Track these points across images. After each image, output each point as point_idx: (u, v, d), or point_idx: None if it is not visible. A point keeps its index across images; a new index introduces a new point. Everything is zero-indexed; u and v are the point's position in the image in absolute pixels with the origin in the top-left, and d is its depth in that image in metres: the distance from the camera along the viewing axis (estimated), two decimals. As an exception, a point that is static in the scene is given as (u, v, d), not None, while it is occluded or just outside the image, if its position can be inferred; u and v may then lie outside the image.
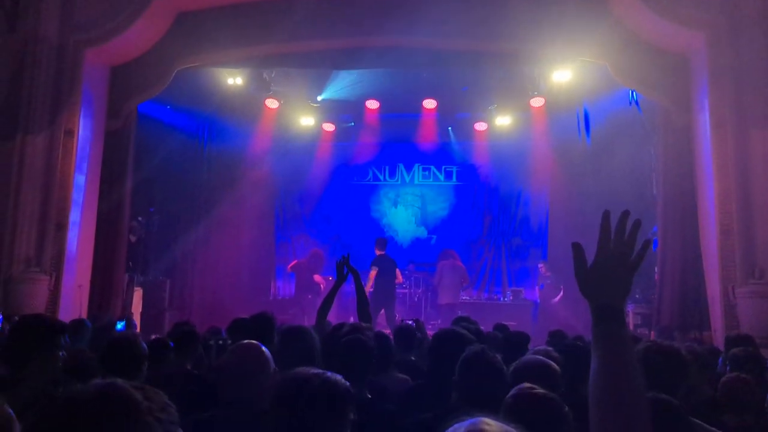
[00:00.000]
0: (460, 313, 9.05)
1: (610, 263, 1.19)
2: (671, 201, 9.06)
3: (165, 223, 11.39)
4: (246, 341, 2.43)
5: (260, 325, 3.77)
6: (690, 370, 2.83)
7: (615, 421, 1.10)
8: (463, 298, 11.47)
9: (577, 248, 1.22)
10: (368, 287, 9.82)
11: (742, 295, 7.46)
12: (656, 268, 9.39)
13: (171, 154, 11.55)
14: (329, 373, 1.66)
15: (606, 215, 1.21)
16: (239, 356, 2.31)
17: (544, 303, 11.14)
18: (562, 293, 11.10)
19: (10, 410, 1.52)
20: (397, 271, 10.38)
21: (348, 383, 1.64)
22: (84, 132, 8.60)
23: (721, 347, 4.96)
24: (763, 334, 7.00)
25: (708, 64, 7.95)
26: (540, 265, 11.74)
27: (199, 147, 11.99)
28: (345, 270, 4.30)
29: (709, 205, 7.99)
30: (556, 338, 4.57)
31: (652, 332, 8.78)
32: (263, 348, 2.37)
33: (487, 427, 0.99)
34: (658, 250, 9.35)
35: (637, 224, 1.21)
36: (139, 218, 10.63)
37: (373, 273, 10.13)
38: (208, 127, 12.09)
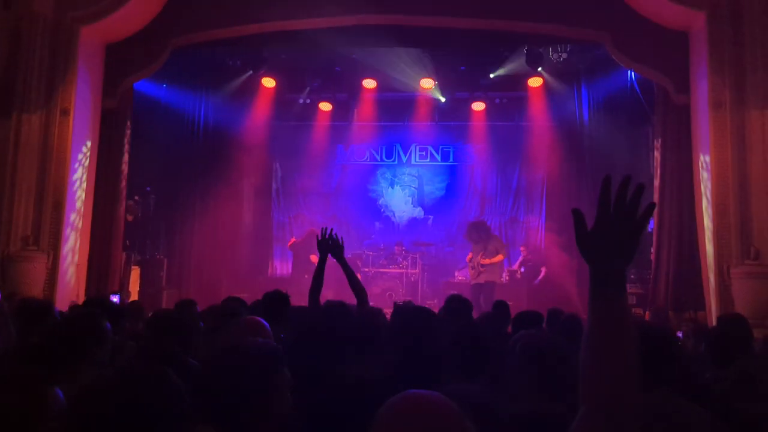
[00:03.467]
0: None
1: (610, 227, 1.17)
2: (668, 181, 9.09)
3: (162, 202, 11.38)
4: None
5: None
6: (680, 352, 2.87)
7: (602, 383, 1.10)
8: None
9: (578, 214, 1.20)
10: None
11: (737, 276, 7.52)
12: (652, 249, 9.45)
13: (167, 133, 11.51)
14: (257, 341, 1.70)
15: (606, 179, 1.19)
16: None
17: (527, 285, 11.17)
18: (543, 274, 11.17)
19: (59, 392, 1.56)
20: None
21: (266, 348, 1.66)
22: (80, 111, 8.54)
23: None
24: (757, 315, 7.08)
25: (707, 44, 7.92)
26: (522, 248, 11.83)
27: (196, 126, 11.94)
28: (329, 244, 4.21)
29: (707, 186, 8.02)
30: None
31: (647, 312, 8.85)
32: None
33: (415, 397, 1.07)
34: (654, 231, 9.41)
35: (640, 188, 1.18)
36: (136, 197, 10.62)
37: None
38: (205, 107, 12.03)
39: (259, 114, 12.31)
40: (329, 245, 4.18)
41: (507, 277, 11.25)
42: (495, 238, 10.07)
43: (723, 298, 7.55)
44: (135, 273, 9.99)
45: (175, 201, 11.49)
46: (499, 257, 9.76)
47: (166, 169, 11.47)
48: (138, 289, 9.95)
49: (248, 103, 12.18)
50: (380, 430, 1.09)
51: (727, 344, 3.40)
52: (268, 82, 12.06)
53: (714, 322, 6.65)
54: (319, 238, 4.20)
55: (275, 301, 3.98)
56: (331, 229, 4.24)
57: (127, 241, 10.02)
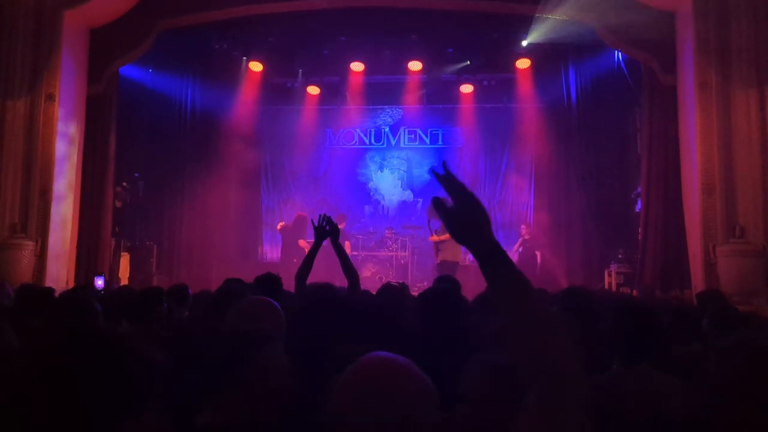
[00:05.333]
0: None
1: (456, 203, 1.24)
2: (655, 161, 9.16)
3: (150, 188, 11.33)
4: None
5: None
6: (664, 328, 2.91)
7: (527, 346, 1.15)
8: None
9: (437, 202, 1.27)
10: None
11: (722, 254, 7.62)
12: (639, 229, 9.54)
13: (154, 118, 11.43)
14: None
15: (432, 173, 1.29)
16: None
17: (521, 266, 11.14)
18: (539, 259, 11.18)
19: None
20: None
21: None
22: (65, 96, 8.47)
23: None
24: (743, 292, 7.19)
25: (694, 24, 7.95)
26: (523, 227, 11.67)
27: (183, 111, 11.85)
28: (326, 229, 4.23)
29: (693, 164, 8.08)
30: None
31: (634, 291, 8.96)
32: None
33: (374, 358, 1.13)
34: (641, 210, 9.49)
35: (444, 163, 1.28)
36: (124, 183, 10.57)
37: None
38: (192, 91, 11.94)
39: (247, 98, 12.23)
40: (326, 230, 4.20)
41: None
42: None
43: (708, 276, 7.65)
44: (124, 259, 9.97)
45: (164, 186, 11.44)
46: (441, 236, 9.53)
47: (154, 154, 11.40)
48: (128, 275, 9.93)
49: (236, 88, 12.10)
50: (341, 389, 1.14)
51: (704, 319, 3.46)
52: (256, 66, 11.97)
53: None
54: (315, 225, 4.21)
55: (268, 284, 3.98)
56: (325, 215, 4.27)
57: (116, 228, 9.99)
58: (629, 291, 9.12)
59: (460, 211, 1.23)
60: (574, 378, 1.14)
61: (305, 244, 11.02)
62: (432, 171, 1.29)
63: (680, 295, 8.15)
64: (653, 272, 8.89)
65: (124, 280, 9.59)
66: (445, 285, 4.37)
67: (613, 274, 9.87)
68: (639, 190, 9.90)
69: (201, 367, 1.64)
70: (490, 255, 1.20)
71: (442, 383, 1.81)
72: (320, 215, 4.26)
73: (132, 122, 10.82)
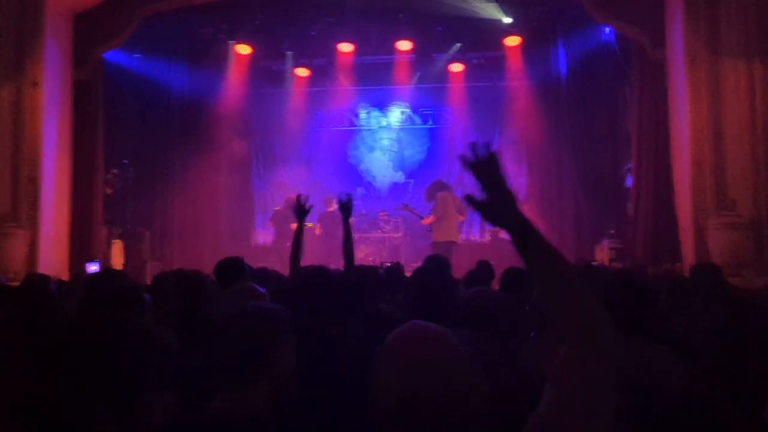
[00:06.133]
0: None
1: (488, 189, 1.30)
2: (645, 136, 9.19)
3: (141, 174, 11.26)
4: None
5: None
6: (655, 303, 2.94)
7: (562, 314, 1.21)
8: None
9: (470, 198, 1.32)
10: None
11: (713, 227, 7.67)
12: (630, 203, 9.59)
13: (143, 104, 11.34)
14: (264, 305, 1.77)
15: (461, 158, 1.35)
16: None
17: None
18: None
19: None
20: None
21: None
22: (50, 83, 8.37)
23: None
24: (733, 264, 7.26)
25: (682, -3, 7.93)
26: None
27: (171, 96, 11.75)
28: (305, 210, 4.31)
29: (683, 138, 8.11)
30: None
31: (626, 266, 9.02)
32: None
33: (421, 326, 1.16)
34: (632, 185, 9.54)
35: (487, 145, 1.34)
36: (114, 170, 10.51)
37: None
38: (180, 76, 11.82)
39: (235, 82, 12.13)
40: (348, 205, 4.39)
41: (461, 238, 10.99)
42: (435, 199, 9.83)
43: (699, 249, 7.71)
44: (117, 246, 9.94)
45: (154, 173, 11.38)
46: (427, 219, 9.68)
47: (143, 140, 11.32)
48: (121, 262, 9.91)
49: (223, 72, 12.00)
50: (388, 356, 1.17)
51: (698, 293, 3.49)
52: (243, 49, 11.86)
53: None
54: (296, 206, 4.28)
55: (227, 270, 3.98)
56: (347, 195, 4.48)
57: (108, 215, 9.94)
58: (621, 266, 9.18)
59: (488, 197, 1.28)
60: (611, 344, 1.19)
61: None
62: (462, 158, 1.33)
63: (671, 269, 8.22)
64: (645, 246, 8.96)
65: (117, 267, 9.57)
66: (431, 266, 4.42)
67: (605, 249, 9.93)
68: (630, 165, 9.94)
69: (221, 350, 1.64)
70: (524, 233, 1.25)
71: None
72: (298, 196, 4.34)
73: (120, 108, 10.73)
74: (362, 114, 13.73)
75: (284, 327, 1.68)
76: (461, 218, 9.94)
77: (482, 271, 5.02)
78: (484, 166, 1.29)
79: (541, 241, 1.24)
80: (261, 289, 2.75)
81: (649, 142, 9.09)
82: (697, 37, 7.86)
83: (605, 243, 10.00)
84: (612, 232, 10.14)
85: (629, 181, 10.00)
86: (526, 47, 11.73)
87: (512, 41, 11.69)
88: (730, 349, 2.95)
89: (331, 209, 11.36)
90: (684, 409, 1.48)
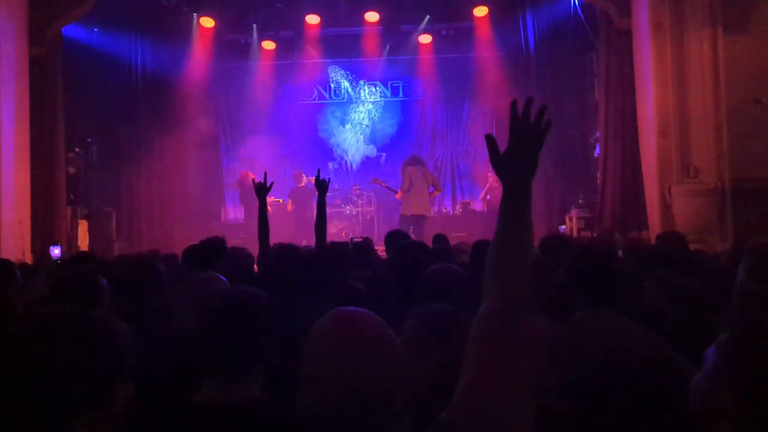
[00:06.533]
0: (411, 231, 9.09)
1: (520, 144, 1.31)
2: (612, 105, 9.26)
3: (105, 153, 10.98)
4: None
5: (210, 249, 3.79)
6: (621, 271, 2.98)
7: (504, 281, 1.23)
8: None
9: (491, 139, 1.35)
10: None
11: (677, 194, 7.83)
12: (598, 173, 9.71)
13: (104, 81, 11.02)
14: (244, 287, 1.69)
15: (513, 104, 1.33)
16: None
17: (490, 213, 11.31)
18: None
19: None
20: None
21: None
22: (5, 59, 8.07)
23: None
24: (697, 231, 7.42)
25: (647, -34, 7.94)
26: (489, 175, 11.73)
27: (134, 72, 11.42)
28: (266, 188, 4.28)
29: (648, 108, 8.20)
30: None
31: (594, 234, 9.17)
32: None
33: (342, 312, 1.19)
34: (600, 155, 9.64)
35: (543, 108, 1.33)
36: (77, 149, 10.24)
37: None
38: (142, 51, 11.48)
39: (200, 56, 11.86)
40: (264, 189, 4.27)
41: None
42: (403, 173, 9.83)
43: (665, 217, 7.87)
44: (83, 227, 9.74)
45: (119, 151, 11.11)
46: (397, 194, 9.81)
47: (105, 118, 11.02)
48: (87, 243, 9.72)
49: (188, 46, 11.71)
50: (312, 345, 1.16)
51: (664, 261, 3.56)
52: (207, 23, 11.58)
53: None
54: (256, 183, 4.26)
55: (211, 250, 3.92)
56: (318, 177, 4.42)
57: (72, 195, 9.72)
58: (590, 235, 9.33)
59: (521, 149, 1.30)
60: (530, 318, 1.22)
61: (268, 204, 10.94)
62: (513, 103, 1.33)
63: (638, 236, 8.37)
64: (612, 215, 9.11)
65: (83, 248, 9.39)
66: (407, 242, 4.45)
67: (573, 219, 10.06)
68: (597, 135, 10.04)
69: (208, 338, 1.56)
70: (525, 195, 1.29)
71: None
72: (264, 176, 4.30)
73: (80, 85, 10.41)
74: (332, 87, 13.57)
75: (266, 309, 1.63)
76: (436, 192, 9.96)
77: (440, 245, 5.02)
78: (530, 122, 1.32)
79: (529, 207, 1.29)
80: (222, 278, 2.68)
81: (616, 111, 9.18)
82: (663, 8, 7.90)
83: (574, 212, 10.13)
84: (581, 201, 10.27)
85: (597, 151, 10.10)
86: (494, 17, 11.68)
87: (480, 11, 11.62)
88: (695, 314, 3.02)
89: (302, 184, 11.28)
90: (649, 376, 1.50)
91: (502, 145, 1.33)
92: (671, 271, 3.47)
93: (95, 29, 10.79)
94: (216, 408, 1.44)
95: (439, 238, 5.28)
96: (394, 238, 4.72)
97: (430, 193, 9.69)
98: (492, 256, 1.28)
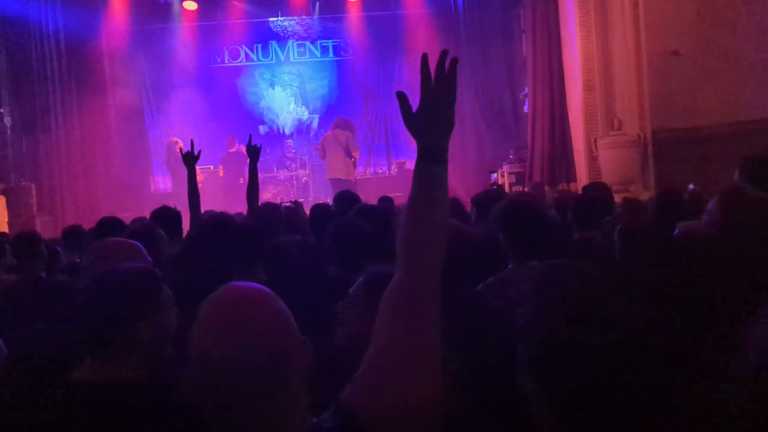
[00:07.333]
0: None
1: (434, 102, 1.24)
2: (539, 63, 9.42)
3: (20, 124, 10.34)
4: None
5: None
6: (549, 222, 3.07)
7: (418, 240, 1.19)
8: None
9: (402, 96, 1.26)
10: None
11: (603, 147, 8.11)
12: (528, 128, 9.91)
13: (14, 48, 10.29)
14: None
15: (424, 57, 1.26)
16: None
17: None
18: None
19: None
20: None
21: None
22: None
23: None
24: (622, 181, 7.73)
25: None
26: None
27: (46, 38, 10.69)
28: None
29: (574, 63, 8.39)
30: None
31: (525, 188, 9.41)
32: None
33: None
34: (528, 111, 9.83)
35: (454, 61, 1.26)
36: (-13, 121, 9.60)
37: None
38: (52, 14, 10.74)
39: (118, 18, 11.25)
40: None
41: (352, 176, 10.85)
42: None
43: (591, 169, 8.16)
44: (0, 202, 9.21)
45: (34, 121, 10.46)
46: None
47: (17, 87, 10.34)
48: (6, 219, 9.21)
49: (103, 8, 11.07)
50: (200, 321, 1.10)
51: (592, 209, 3.70)
52: (122, -19, 10.96)
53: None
54: (183, 151, 4.18)
55: (166, 219, 3.80)
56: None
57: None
58: (521, 189, 9.56)
59: (434, 106, 1.23)
60: (436, 276, 1.18)
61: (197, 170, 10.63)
62: (423, 56, 1.25)
63: (567, 188, 8.65)
64: (542, 169, 9.36)
65: (2, 225, 8.90)
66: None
67: (505, 174, 10.27)
68: (526, 91, 10.21)
69: (82, 318, 1.54)
70: (440, 156, 1.22)
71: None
72: (191, 142, 4.22)
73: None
74: (259, 48, 13.18)
75: (156, 288, 1.59)
76: (355, 155, 9.86)
77: (385, 207, 5.05)
78: (443, 75, 1.24)
79: (445, 169, 1.23)
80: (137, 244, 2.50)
81: (543, 68, 9.35)
82: (586, -38, 8.02)
83: (505, 167, 10.34)
84: (511, 156, 10.48)
85: (526, 107, 10.29)
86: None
87: (408, -32, 11.49)
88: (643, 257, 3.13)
89: (233, 149, 11.00)
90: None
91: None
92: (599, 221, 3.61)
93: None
94: (92, 387, 1.43)
95: (385, 199, 5.33)
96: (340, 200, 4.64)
97: (351, 158, 9.64)
98: (406, 221, 1.22)
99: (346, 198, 4.51)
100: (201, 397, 1.07)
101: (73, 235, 4.46)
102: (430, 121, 1.24)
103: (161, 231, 3.22)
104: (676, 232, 2.82)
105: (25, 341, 2.02)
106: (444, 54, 1.25)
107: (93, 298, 1.55)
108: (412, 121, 1.24)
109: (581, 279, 1.34)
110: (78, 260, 4.22)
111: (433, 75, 1.24)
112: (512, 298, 2.27)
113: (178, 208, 4.18)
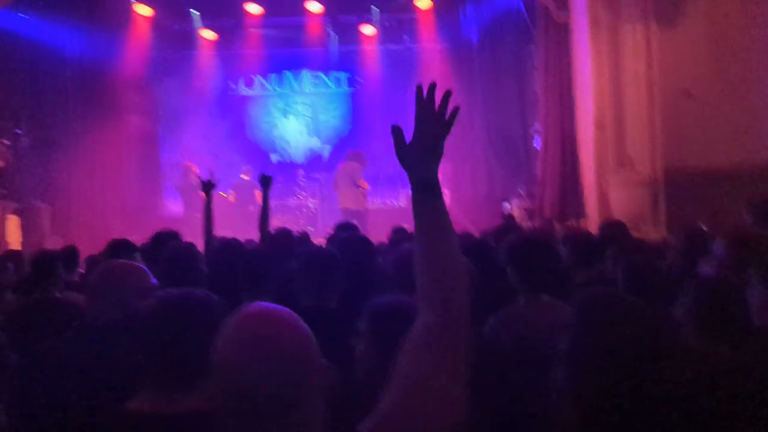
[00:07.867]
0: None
1: (425, 132, 1.24)
2: (551, 98, 9.48)
3: (37, 145, 10.49)
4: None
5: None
6: (558, 259, 3.06)
7: (436, 280, 1.18)
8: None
9: (396, 130, 1.26)
10: None
11: (613, 184, 8.10)
12: (538, 164, 9.93)
13: (35, 70, 10.50)
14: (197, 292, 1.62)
15: (418, 89, 1.26)
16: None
17: None
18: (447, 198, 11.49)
19: None
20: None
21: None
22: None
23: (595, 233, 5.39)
24: (631, 219, 7.68)
25: (584, -38, 8.14)
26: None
27: (68, 63, 10.92)
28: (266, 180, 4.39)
29: (586, 100, 8.43)
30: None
31: (535, 225, 9.38)
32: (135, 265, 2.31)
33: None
34: (541, 146, 9.87)
35: (447, 93, 1.26)
36: (5, 141, 9.75)
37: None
38: (76, 40, 10.99)
39: (137, 45, 11.49)
40: (211, 186, 4.35)
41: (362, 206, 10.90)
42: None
43: (601, 206, 8.13)
44: (13, 222, 9.29)
45: (51, 143, 10.61)
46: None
47: (37, 109, 10.51)
48: (19, 240, 9.29)
49: (124, 34, 11.31)
50: (225, 334, 1.13)
51: (602, 246, 3.69)
52: (143, 10, 11.21)
53: (593, 228, 7.16)
54: (203, 180, 4.27)
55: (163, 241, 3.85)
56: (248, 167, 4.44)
57: (1, 189, 9.27)
58: (531, 225, 9.54)
59: (425, 137, 1.22)
60: (465, 317, 1.17)
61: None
62: (417, 88, 1.25)
63: (576, 225, 8.62)
64: (552, 205, 9.34)
65: (15, 245, 8.96)
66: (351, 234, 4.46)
67: (515, 209, 10.26)
68: (537, 126, 10.26)
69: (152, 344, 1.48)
70: (433, 187, 1.22)
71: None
72: (211, 174, 4.28)
73: (9, 74, 9.90)
74: (274, 78, 13.37)
75: (224, 312, 1.57)
76: (364, 187, 10.08)
77: (399, 237, 5.06)
78: (433, 107, 1.24)
79: (441, 200, 1.23)
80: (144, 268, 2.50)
81: (555, 104, 9.40)
82: (599, 1, 8.12)
83: (515, 203, 10.34)
84: (521, 192, 10.48)
85: (537, 142, 10.33)
86: (437, 9, 11.78)
87: (423, 3, 11.68)
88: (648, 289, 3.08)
89: (247, 178, 11.11)
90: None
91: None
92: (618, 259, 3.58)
93: (26, 16, 10.28)
94: (155, 418, 1.38)
95: (398, 230, 5.36)
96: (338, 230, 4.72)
97: (358, 188, 9.87)
98: (419, 262, 1.20)
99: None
100: (221, 406, 1.09)
101: (69, 254, 4.58)
102: (420, 152, 1.24)
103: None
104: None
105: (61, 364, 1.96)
106: (432, 86, 1.26)
107: (171, 323, 1.48)
108: (402, 153, 1.25)
109: (630, 309, 1.30)
110: (75, 279, 4.34)
111: (426, 106, 1.25)
112: (541, 328, 2.26)
113: (188, 234, 4.24)
